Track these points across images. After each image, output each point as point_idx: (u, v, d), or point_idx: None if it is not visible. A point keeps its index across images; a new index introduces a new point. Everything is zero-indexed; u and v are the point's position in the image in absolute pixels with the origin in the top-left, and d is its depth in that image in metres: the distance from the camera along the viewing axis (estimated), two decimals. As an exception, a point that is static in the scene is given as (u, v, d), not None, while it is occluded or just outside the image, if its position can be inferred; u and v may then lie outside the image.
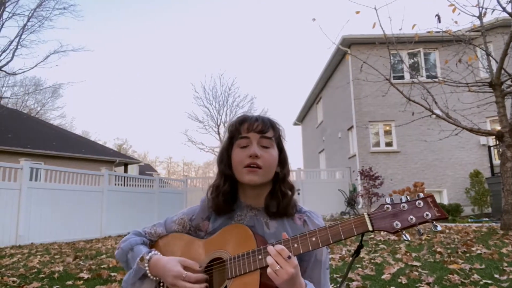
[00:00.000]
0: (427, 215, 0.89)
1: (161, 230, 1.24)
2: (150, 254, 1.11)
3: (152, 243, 1.23)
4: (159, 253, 1.13)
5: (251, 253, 1.00)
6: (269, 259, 0.93)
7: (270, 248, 0.95)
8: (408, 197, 0.94)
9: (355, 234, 0.93)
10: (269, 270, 0.93)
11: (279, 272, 0.91)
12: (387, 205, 0.93)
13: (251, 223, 1.14)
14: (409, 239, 0.92)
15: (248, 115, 1.17)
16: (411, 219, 0.90)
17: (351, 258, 1.06)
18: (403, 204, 0.92)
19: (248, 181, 1.10)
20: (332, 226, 0.95)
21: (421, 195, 0.93)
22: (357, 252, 1.03)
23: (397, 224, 0.90)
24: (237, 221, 1.15)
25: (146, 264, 1.09)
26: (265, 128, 1.13)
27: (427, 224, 0.91)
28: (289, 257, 0.92)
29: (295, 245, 0.96)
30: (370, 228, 0.91)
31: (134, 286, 1.12)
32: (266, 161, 1.10)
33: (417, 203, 0.91)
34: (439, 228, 0.89)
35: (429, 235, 5.22)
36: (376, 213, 0.93)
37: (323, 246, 0.95)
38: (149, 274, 1.09)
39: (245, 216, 1.16)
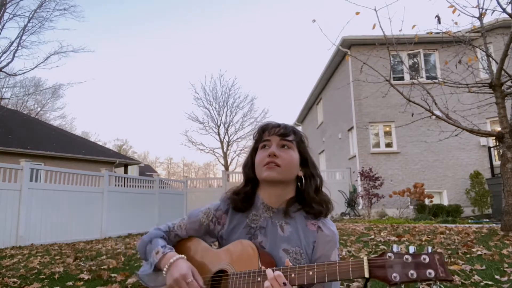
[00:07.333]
0: (430, 273, 0.82)
1: (184, 222, 1.30)
2: (164, 249, 1.16)
3: (174, 243, 1.29)
4: (173, 249, 1.18)
5: (252, 273, 1.02)
6: (266, 283, 0.95)
7: (268, 272, 0.96)
8: (416, 249, 0.88)
9: (351, 277, 0.90)
10: None
11: None
12: (390, 254, 0.88)
13: (263, 224, 1.17)
14: None
15: (271, 122, 1.24)
16: (412, 274, 0.84)
17: None
18: (407, 256, 0.86)
19: (266, 177, 1.14)
20: (331, 264, 0.93)
21: (429, 249, 0.87)
22: None
23: (396, 277, 0.85)
24: (251, 220, 1.18)
25: (159, 257, 1.14)
26: (286, 132, 1.18)
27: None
28: (284, 284, 0.93)
29: (292, 275, 0.96)
30: (367, 275, 0.87)
31: (150, 278, 1.18)
32: (284, 160, 1.14)
33: (422, 257, 0.85)
34: None
35: (429, 236, 5.22)
36: (376, 260, 0.88)
37: (317, 282, 0.93)
38: (162, 268, 1.12)
39: (259, 217, 1.18)
